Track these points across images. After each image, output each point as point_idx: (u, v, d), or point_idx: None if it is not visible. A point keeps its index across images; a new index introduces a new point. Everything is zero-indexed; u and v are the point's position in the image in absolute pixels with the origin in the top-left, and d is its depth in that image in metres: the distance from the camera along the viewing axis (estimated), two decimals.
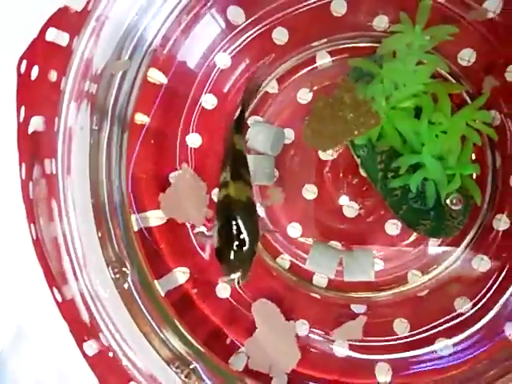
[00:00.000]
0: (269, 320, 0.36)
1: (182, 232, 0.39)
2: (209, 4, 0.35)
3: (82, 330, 0.30)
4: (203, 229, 0.38)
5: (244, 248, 0.30)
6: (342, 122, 0.32)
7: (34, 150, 0.30)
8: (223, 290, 0.39)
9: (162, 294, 0.37)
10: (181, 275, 0.38)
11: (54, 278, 0.29)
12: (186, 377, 0.31)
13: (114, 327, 0.30)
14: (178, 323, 0.35)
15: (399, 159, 0.33)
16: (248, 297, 0.39)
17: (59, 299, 0.29)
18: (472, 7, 0.34)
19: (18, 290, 0.37)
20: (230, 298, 0.39)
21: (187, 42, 0.37)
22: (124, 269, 0.32)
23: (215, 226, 0.31)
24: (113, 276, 0.31)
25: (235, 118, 0.36)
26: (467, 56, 0.36)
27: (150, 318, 0.33)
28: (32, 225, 0.29)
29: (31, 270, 0.30)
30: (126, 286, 0.32)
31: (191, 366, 0.32)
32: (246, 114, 0.38)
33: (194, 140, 0.39)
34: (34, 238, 0.29)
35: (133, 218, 0.36)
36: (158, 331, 0.33)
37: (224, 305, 0.39)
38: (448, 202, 0.34)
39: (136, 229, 0.37)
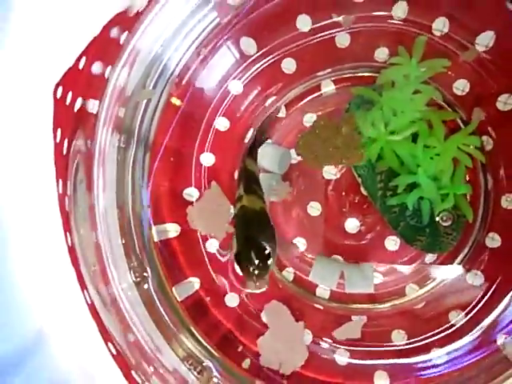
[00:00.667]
0: (280, 320, 0.39)
1: (194, 245, 0.42)
2: (225, 37, 0.39)
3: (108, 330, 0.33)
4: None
5: (264, 252, 0.31)
6: (331, 147, 0.36)
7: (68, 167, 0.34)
8: (232, 300, 0.41)
9: (179, 300, 0.39)
10: (195, 283, 0.41)
11: (85, 282, 0.32)
12: (198, 373, 0.33)
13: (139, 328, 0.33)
14: (192, 327, 0.37)
15: (397, 179, 0.36)
16: (255, 307, 0.41)
17: (89, 301, 0.32)
18: (464, 45, 0.37)
19: (44, 293, 0.40)
20: (238, 309, 0.41)
21: (204, 71, 0.40)
22: (145, 273, 0.35)
23: (234, 236, 0.33)
24: (134, 279, 0.34)
25: (249, 145, 0.40)
26: (461, 86, 0.39)
27: (167, 320, 0.35)
28: (68, 234, 0.32)
29: (60, 275, 0.33)
30: (145, 286, 0.35)
31: (204, 364, 0.34)
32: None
33: (207, 159, 0.42)
34: (70, 245, 0.32)
35: (153, 229, 0.39)
36: (176, 332, 0.36)
37: (233, 313, 0.41)
38: (439, 218, 0.37)
39: (156, 239, 0.40)
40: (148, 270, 0.36)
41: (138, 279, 0.34)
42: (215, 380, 0.34)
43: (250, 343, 0.39)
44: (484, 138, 0.39)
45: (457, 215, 0.37)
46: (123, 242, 0.35)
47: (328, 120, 0.37)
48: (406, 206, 0.37)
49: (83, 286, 0.32)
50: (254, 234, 0.32)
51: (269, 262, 0.31)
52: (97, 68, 0.35)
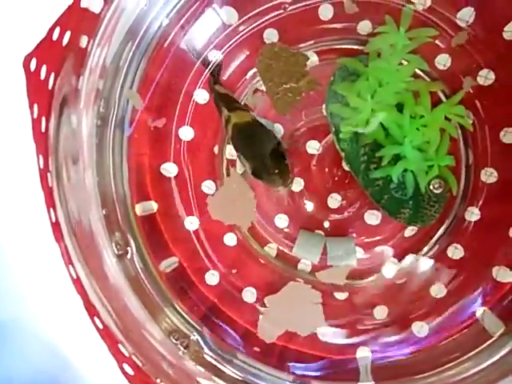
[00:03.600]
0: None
1: (173, 222, 0.41)
2: (206, 5, 0.38)
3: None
4: None
5: (276, 153, 0.33)
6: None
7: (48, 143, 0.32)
8: (212, 277, 0.41)
9: (162, 274, 0.39)
10: (174, 262, 0.40)
11: (70, 257, 0.31)
12: (185, 348, 0.32)
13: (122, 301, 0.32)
14: (175, 302, 0.36)
15: (383, 149, 0.35)
16: (237, 283, 0.41)
17: (74, 276, 0.30)
18: (448, 19, 0.37)
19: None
20: (218, 286, 0.41)
21: (184, 40, 0.38)
22: (128, 248, 0.34)
23: (238, 158, 0.35)
24: (117, 252, 0.33)
25: (210, 73, 0.40)
26: (443, 61, 0.39)
27: (152, 294, 0.34)
28: (51, 209, 0.31)
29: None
30: (128, 258, 0.34)
31: (191, 338, 0.33)
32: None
33: (186, 133, 0.41)
34: (53, 221, 0.31)
35: (136, 205, 0.38)
36: (160, 306, 0.35)
37: (214, 291, 0.40)
38: (431, 187, 0.37)
39: (138, 213, 0.39)
40: (131, 243, 0.34)
41: (121, 252, 0.33)
42: (203, 353, 0.33)
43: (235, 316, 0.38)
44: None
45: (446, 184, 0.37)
46: (104, 213, 0.34)
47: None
48: (390, 178, 0.37)
49: (69, 262, 0.31)
50: (257, 143, 0.34)
51: (285, 159, 0.33)
52: (73, 39, 0.33)
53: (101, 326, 0.30)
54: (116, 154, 0.39)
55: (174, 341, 0.32)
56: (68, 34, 0.32)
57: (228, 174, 0.41)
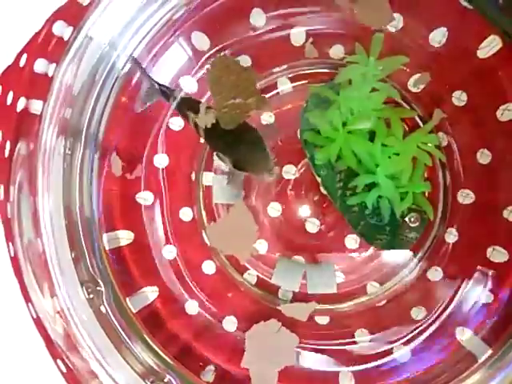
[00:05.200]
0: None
1: (150, 251, 0.40)
2: (177, 33, 0.37)
3: (56, 345, 0.31)
4: None
5: (254, 145, 0.33)
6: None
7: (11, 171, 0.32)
8: (192, 307, 0.40)
9: (134, 311, 0.38)
10: (150, 293, 0.39)
11: (29, 294, 0.30)
12: None
13: (91, 343, 0.31)
14: (149, 339, 0.36)
15: (356, 179, 0.35)
16: (216, 312, 0.40)
17: (34, 316, 0.30)
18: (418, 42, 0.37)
19: None
20: (198, 316, 0.40)
21: (155, 68, 0.38)
22: (98, 288, 0.33)
23: (217, 155, 0.35)
24: (87, 296, 0.32)
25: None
26: (416, 83, 0.39)
27: (123, 335, 0.34)
28: (10, 243, 0.31)
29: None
30: (101, 307, 0.33)
31: (165, 380, 0.33)
32: None
33: (161, 160, 0.41)
34: (12, 255, 0.31)
35: (104, 237, 0.37)
36: (132, 347, 0.34)
37: (193, 322, 0.40)
38: (407, 219, 0.37)
39: (107, 248, 0.38)
40: (100, 282, 0.34)
41: (92, 296, 0.32)
42: None
43: (210, 354, 0.38)
44: (440, 134, 0.39)
45: (422, 213, 0.37)
46: (73, 255, 0.33)
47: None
48: (366, 205, 0.37)
49: (27, 299, 0.30)
50: (233, 136, 0.33)
51: (264, 146, 0.33)
52: (40, 66, 0.33)
53: (64, 370, 0.30)
54: (84, 183, 0.38)
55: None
56: (38, 62, 0.32)
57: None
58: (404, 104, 0.39)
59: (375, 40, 0.34)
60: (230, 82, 0.37)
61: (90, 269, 0.35)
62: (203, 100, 0.39)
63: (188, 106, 0.37)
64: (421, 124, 0.39)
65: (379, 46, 0.34)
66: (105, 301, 0.34)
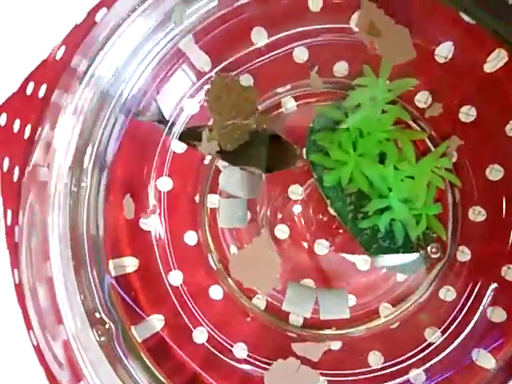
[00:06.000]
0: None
1: (155, 278, 0.39)
2: (181, 60, 0.36)
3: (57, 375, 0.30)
4: None
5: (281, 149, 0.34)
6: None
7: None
8: (200, 336, 0.39)
9: (139, 341, 0.37)
10: (157, 322, 0.38)
11: (31, 323, 0.29)
12: None
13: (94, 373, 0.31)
14: (154, 369, 0.35)
15: (368, 204, 0.34)
16: (225, 340, 0.39)
17: (35, 343, 0.29)
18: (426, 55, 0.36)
19: None
20: (207, 344, 0.39)
21: (160, 95, 0.37)
22: (107, 326, 0.32)
23: (243, 170, 0.35)
24: (98, 339, 0.31)
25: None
26: (423, 99, 0.38)
27: (127, 364, 0.33)
28: (16, 270, 0.30)
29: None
30: (110, 344, 0.32)
31: None
32: None
33: (165, 184, 0.40)
34: (17, 282, 0.30)
35: (110, 265, 0.36)
36: (137, 378, 0.33)
37: (201, 350, 0.39)
38: (429, 250, 0.36)
39: (113, 274, 0.37)
40: (108, 321, 0.33)
41: (103, 338, 0.31)
42: None
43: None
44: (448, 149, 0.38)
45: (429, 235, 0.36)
46: (82, 297, 0.32)
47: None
48: (378, 227, 0.36)
49: (29, 327, 0.29)
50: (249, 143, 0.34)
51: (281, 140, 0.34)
52: (48, 93, 0.32)
53: None
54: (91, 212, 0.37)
55: None
56: (43, 88, 0.32)
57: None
58: (413, 125, 0.38)
59: (385, 62, 0.33)
60: (230, 102, 0.36)
61: (97, 299, 0.35)
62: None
63: (190, 136, 0.37)
64: (431, 146, 0.38)
65: (389, 69, 0.33)
66: (114, 335, 0.33)
